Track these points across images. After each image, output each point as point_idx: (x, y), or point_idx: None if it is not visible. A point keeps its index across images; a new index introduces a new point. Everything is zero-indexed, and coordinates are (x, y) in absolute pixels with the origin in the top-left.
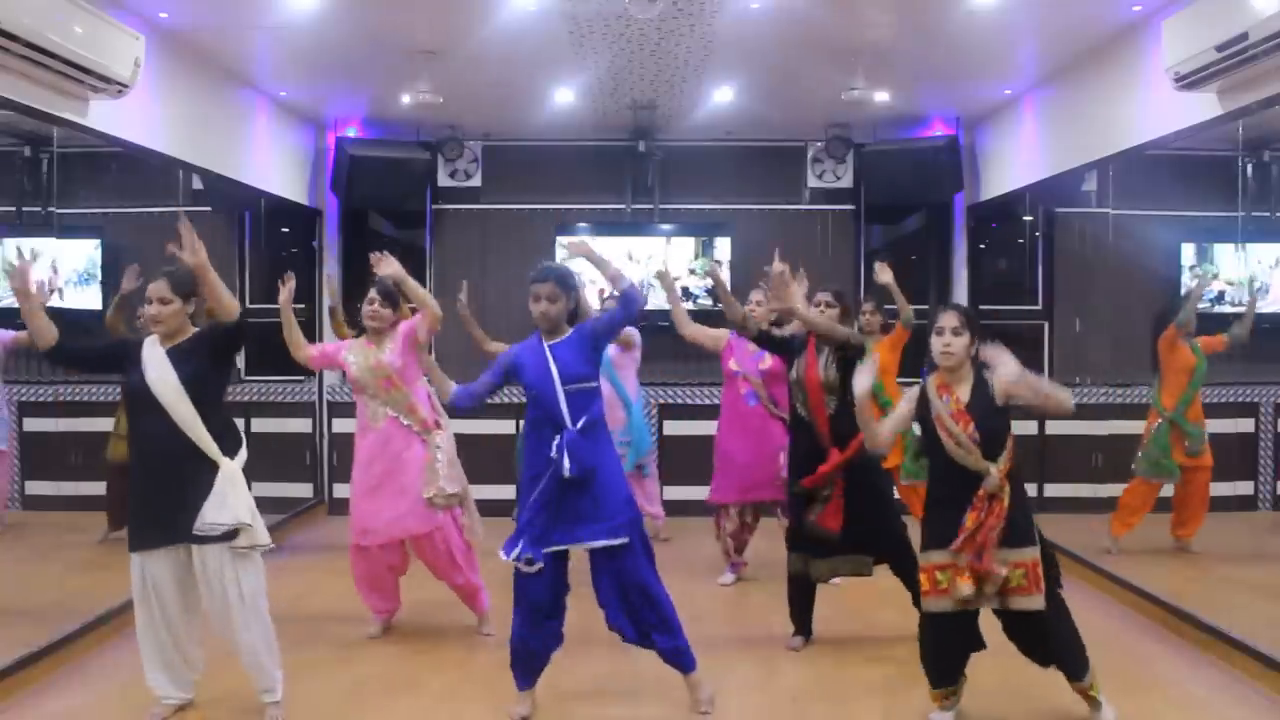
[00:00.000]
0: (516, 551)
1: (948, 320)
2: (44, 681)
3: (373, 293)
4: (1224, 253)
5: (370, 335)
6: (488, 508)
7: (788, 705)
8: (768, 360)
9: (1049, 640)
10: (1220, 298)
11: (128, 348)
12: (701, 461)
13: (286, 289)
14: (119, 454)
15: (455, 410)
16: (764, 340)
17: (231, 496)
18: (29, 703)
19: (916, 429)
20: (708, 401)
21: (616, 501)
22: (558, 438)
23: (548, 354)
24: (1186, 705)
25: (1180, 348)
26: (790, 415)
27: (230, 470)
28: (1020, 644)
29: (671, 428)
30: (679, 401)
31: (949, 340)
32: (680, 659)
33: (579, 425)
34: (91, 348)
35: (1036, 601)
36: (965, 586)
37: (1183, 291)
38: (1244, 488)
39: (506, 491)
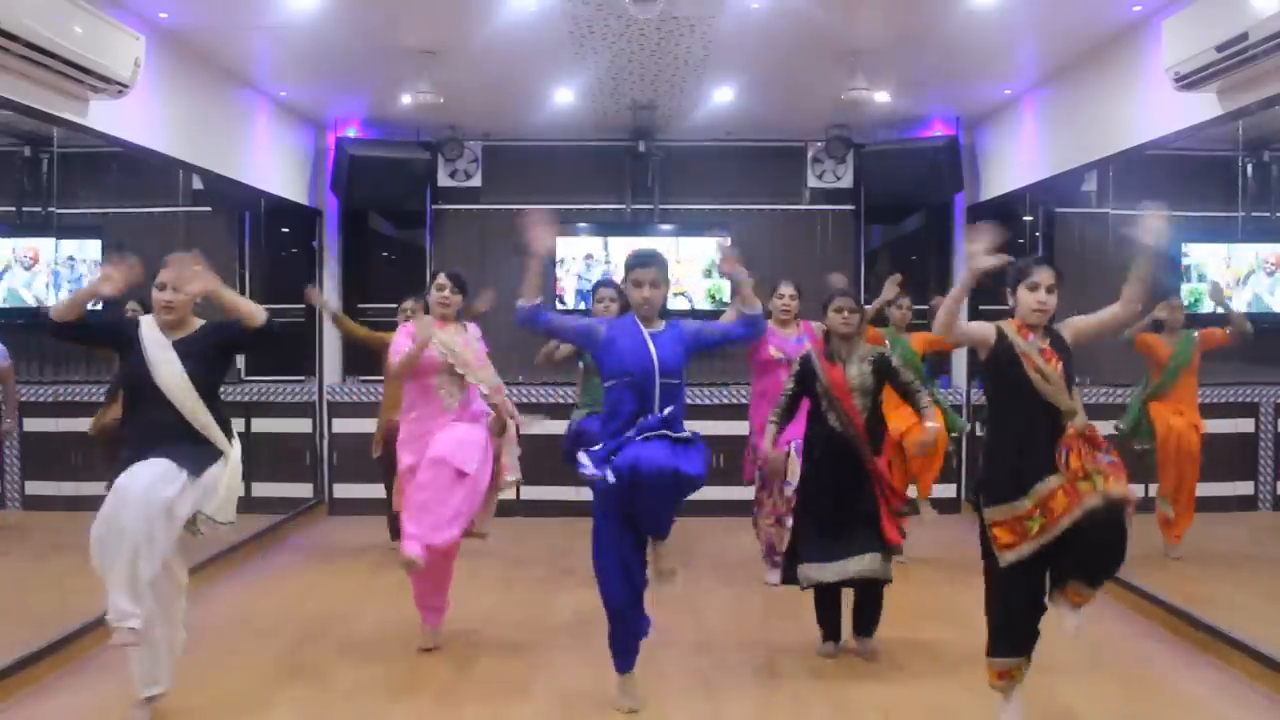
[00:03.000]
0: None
1: (1044, 277)
2: (44, 681)
3: (442, 278)
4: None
5: (438, 320)
6: None
7: (788, 705)
8: (808, 343)
9: (1121, 537)
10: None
11: (124, 329)
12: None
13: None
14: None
15: (517, 323)
16: (788, 407)
17: (233, 494)
18: (29, 703)
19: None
20: (710, 401)
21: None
22: (640, 420)
23: (649, 340)
24: (1186, 705)
25: (1156, 343)
26: (811, 433)
27: (236, 461)
28: (1083, 555)
29: None
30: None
31: (1044, 298)
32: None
33: (664, 414)
34: (90, 322)
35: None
36: (1066, 519)
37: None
38: (1244, 488)
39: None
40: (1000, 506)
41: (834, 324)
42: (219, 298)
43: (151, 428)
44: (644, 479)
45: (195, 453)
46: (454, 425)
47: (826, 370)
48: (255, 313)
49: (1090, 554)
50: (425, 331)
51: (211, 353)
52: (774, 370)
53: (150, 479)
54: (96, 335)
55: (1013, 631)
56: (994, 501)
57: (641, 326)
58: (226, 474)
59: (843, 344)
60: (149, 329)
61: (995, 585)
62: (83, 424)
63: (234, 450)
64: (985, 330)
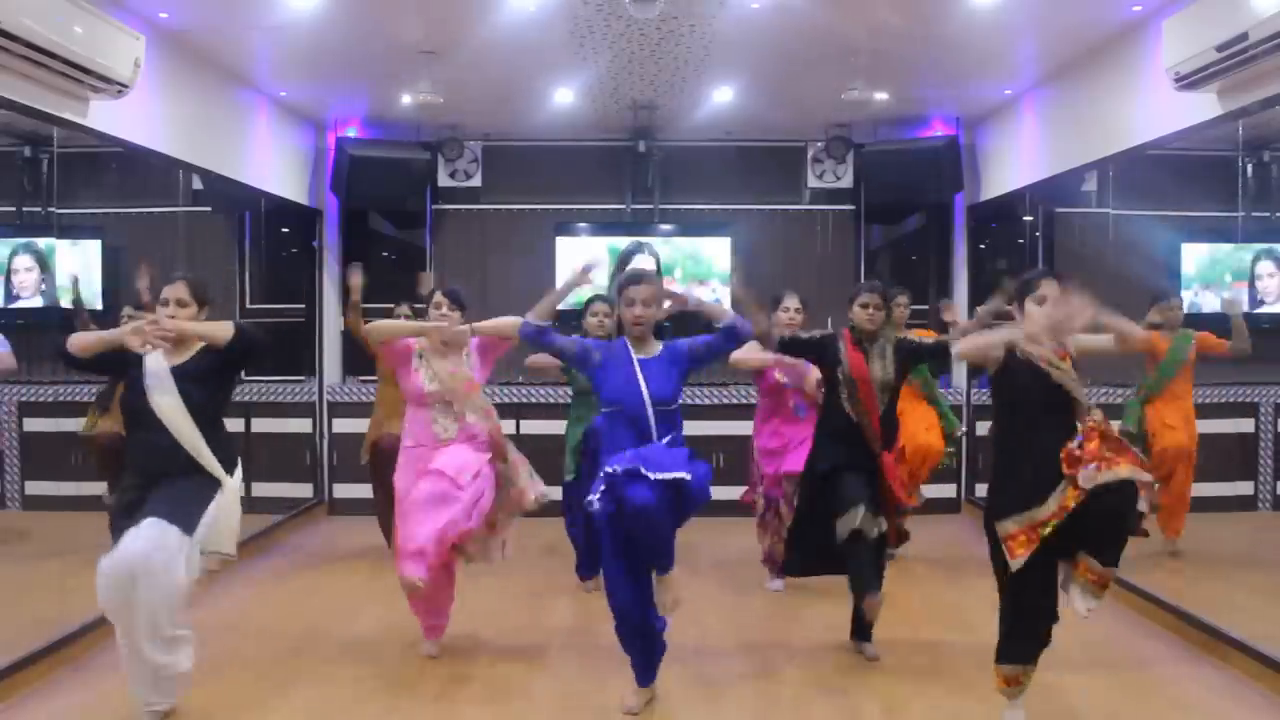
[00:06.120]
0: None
1: (1050, 289)
2: (44, 681)
3: (439, 296)
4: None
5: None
6: None
7: (788, 705)
8: (817, 370)
9: (1128, 505)
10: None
11: (127, 356)
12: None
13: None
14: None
15: (521, 336)
16: (791, 346)
17: (233, 522)
18: (29, 703)
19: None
20: (711, 401)
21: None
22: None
23: (638, 370)
24: (1186, 705)
25: (1154, 338)
26: (826, 413)
27: (233, 491)
28: (1090, 524)
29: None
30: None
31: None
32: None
33: (665, 441)
34: (100, 356)
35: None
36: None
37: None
38: (1244, 488)
39: None
40: (1016, 516)
41: (859, 320)
42: (184, 337)
43: (152, 451)
44: (631, 521)
45: (191, 490)
46: (454, 448)
47: (850, 354)
48: (216, 333)
49: (1097, 522)
50: (455, 336)
51: (211, 376)
52: (780, 395)
53: (145, 552)
54: (104, 366)
55: (1023, 637)
56: (1009, 513)
57: (633, 353)
58: (224, 506)
59: (867, 339)
60: (153, 354)
61: (1008, 590)
62: (83, 424)
63: (231, 481)
64: (996, 348)
